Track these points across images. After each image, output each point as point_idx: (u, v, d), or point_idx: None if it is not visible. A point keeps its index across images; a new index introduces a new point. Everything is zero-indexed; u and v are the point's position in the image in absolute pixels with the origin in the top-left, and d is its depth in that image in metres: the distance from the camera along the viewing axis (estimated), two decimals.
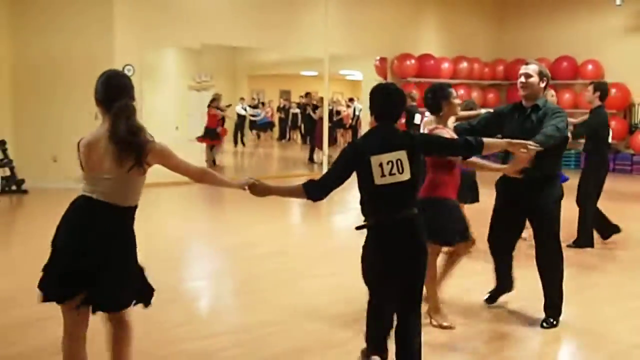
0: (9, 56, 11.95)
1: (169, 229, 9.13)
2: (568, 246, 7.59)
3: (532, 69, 5.07)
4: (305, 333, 4.91)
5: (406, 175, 3.60)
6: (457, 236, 4.89)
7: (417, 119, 11.74)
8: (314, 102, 17.67)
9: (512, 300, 5.55)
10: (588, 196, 8.04)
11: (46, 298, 3.33)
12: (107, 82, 3.40)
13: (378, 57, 16.69)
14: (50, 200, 11.03)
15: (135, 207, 3.42)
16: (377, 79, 16.05)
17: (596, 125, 8.00)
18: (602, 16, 16.47)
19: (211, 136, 15.98)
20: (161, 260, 6.80)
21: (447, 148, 4.04)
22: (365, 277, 3.82)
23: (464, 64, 17.09)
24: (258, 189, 3.71)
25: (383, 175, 3.59)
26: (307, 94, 18.76)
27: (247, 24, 13.64)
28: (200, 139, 15.96)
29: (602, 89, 8.09)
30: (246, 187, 3.68)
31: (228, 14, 13.47)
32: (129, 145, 3.24)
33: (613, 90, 14.51)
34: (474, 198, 7.69)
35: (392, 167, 3.57)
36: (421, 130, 6.56)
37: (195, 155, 15.40)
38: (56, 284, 3.31)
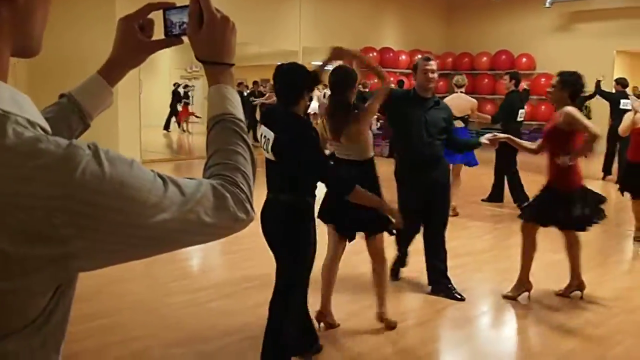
0: None
1: None
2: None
3: (435, 63, 4.86)
4: None
5: (270, 156, 3.25)
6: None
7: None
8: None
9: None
10: (505, 169, 8.29)
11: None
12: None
13: None
14: None
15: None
16: None
17: (506, 106, 8.22)
18: (534, 16, 16.60)
19: None
20: None
21: (309, 166, 3.30)
22: None
23: (419, 56, 17.06)
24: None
25: (262, 147, 3.30)
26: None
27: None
28: None
29: (516, 77, 8.39)
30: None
31: None
32: None
33: (543, 80, 14.72)
34: None
35: (264, 142, 3.26)
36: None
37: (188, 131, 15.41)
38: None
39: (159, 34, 1.29)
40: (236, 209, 0.95)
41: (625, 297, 4.93)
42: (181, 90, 18.89)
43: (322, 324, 4.04)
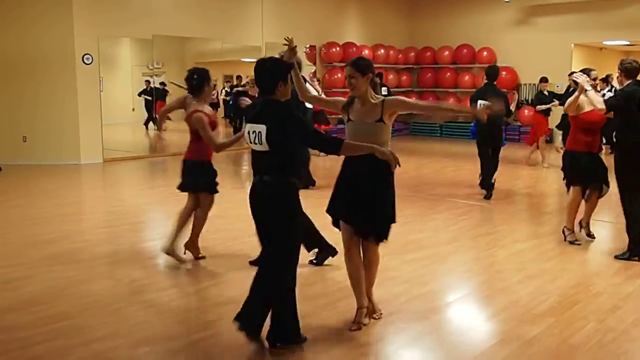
0: None
1: (127, 198, 8.99)
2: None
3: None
4: (243, 283, 4.94)
5: (264, 147, 3.53)
6: None
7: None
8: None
9: None
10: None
11: None
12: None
13: (308, 45, 16.63)
14: (20, 175, 10.71)
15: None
16: (307, 64, 16.01)
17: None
18: (494, 11, 16.81)
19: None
20: (121, 224, 6.73)
21: (308, 138, 3.70)
22: None
23: (381, 51, 17.19)
24: None
25: (250, 142, 3.60)
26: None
27: (193, 17, 13.40)
28: None
29: (486, 72, 8.34)
30: None
31: (175, 8, 13.18)
32: None
33: (504, 73, 14.90)
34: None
35: (255, 137, 3.55)
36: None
37: (152, 131, 15.21)
38: None
39: None
40: None
41: (585, 283, 5.04)
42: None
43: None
